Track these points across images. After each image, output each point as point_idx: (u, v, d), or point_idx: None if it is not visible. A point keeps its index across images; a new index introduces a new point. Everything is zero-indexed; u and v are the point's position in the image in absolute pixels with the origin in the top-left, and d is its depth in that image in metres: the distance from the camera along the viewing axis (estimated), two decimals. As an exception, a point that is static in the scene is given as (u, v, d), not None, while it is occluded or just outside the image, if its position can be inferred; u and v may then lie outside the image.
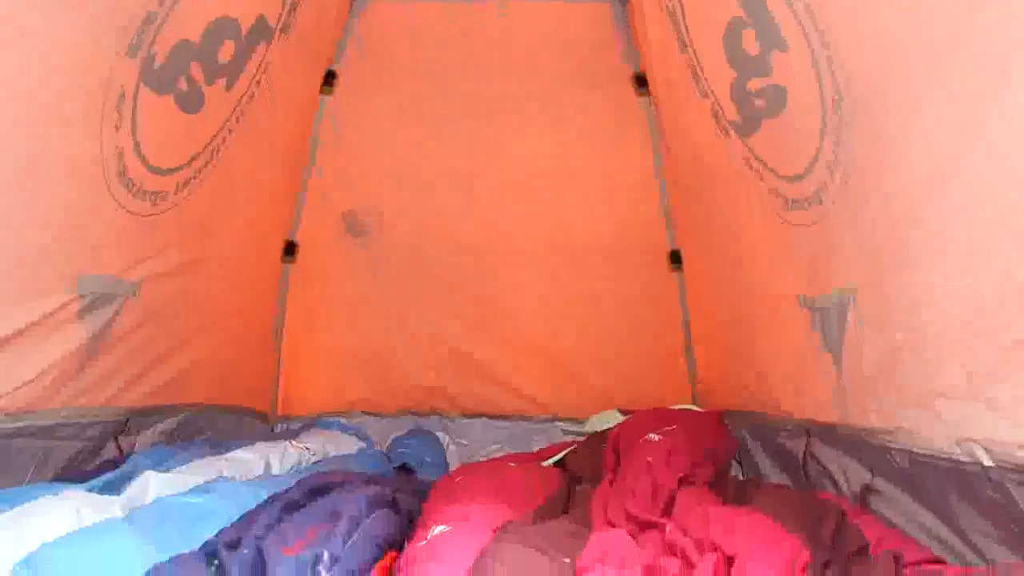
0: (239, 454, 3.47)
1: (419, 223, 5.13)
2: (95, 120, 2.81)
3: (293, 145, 4.77)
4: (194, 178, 3.52)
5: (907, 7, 2.20)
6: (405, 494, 3.09)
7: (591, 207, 5.10)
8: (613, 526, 2.83)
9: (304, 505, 2.74)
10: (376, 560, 2.43)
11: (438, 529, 2.47)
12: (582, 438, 4.50)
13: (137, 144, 3.05)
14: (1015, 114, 1.90)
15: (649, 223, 5.05)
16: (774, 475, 3.75)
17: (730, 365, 4.26)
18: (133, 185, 3.12)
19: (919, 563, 2.26)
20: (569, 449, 4.29)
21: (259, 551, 2.24)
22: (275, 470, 3.53)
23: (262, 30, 3.63)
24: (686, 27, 3.65)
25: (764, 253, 3.51)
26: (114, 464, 3.20)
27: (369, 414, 5.21)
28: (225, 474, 3.17)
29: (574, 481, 3.73)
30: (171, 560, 2.18)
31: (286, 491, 2.87)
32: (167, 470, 2.99)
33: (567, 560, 2.31)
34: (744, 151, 3.40)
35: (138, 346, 3.47)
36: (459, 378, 5.21)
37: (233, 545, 2.30)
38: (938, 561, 2.32)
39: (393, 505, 2.85)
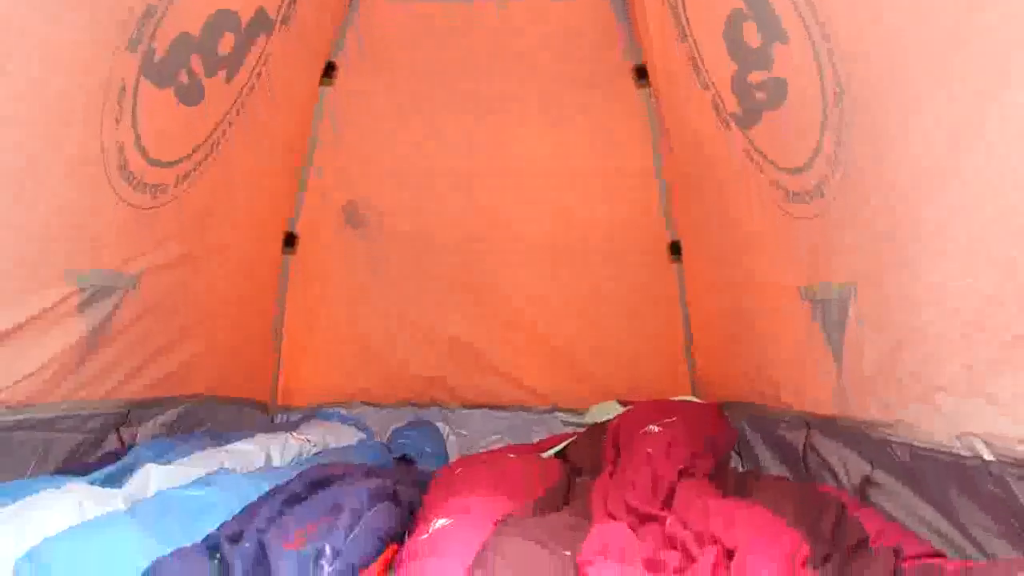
0: (240, 446, 3.48)
1: (419, 215, 5.12)
2: (96, 114, 2.81)
3: (293, 137, 4.77)
4: (194, 170, 3.52)
5: (908, 1, 2.20)
6: (405, 486, 3.10)
7: (590, 198, 5.08)
8: (613, 518, 2.84)
9: (305, 498, 2.75)
10: (378, 553, 2.45)
11: (439, 522, 2.48)
12: (582, 429, 4.51)
13: (138, 137, 3.04)
14: (1015, 111, 1.90)
15: (649, 214, 5.04)
16: (774, 467, 3.75)
17: (730, 356, 4.26)
18: (133, 178, 3.11)
19: (919, 557, 2.26)
20: (569, 440, 4.30)
21: (261, 544, 2.24)
22: (276, 462, 3.54)
23: (262, 22, 3.62)
24: (687, 19, 3.64)
25: (765, 245, 3.51)
26: (115, 456, 3.20)
27: (369, 405, 5.22)
28: (226, 466, 3.18)
29: (574, 472, 3.74)
30: (173, 553, 2.19)
31: (287, 483, 2.88)
32: (168, 462, 3.00)
33: (567, 553, 2.32)
34: (744, 143, 3.39)
35: (138, 338, 3.48)
36: (459, 369, 5.21)
37: (235, 538, 2.31)
38: (937, 555, 2.32)
39: (394, 497, 2.86)
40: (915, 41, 2.21)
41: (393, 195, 5.12)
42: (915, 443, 2.50)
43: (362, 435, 4.63)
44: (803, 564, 2.23)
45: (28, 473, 2.97)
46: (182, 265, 3.68)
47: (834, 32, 2.55)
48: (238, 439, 3.59)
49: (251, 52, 3.65)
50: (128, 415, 3.53)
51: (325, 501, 2.66)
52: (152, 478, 2.76)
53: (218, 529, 2.42)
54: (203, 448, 3.32)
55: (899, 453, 2.62)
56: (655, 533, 2.66)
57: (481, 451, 4.65)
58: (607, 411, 4.59)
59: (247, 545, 2.25)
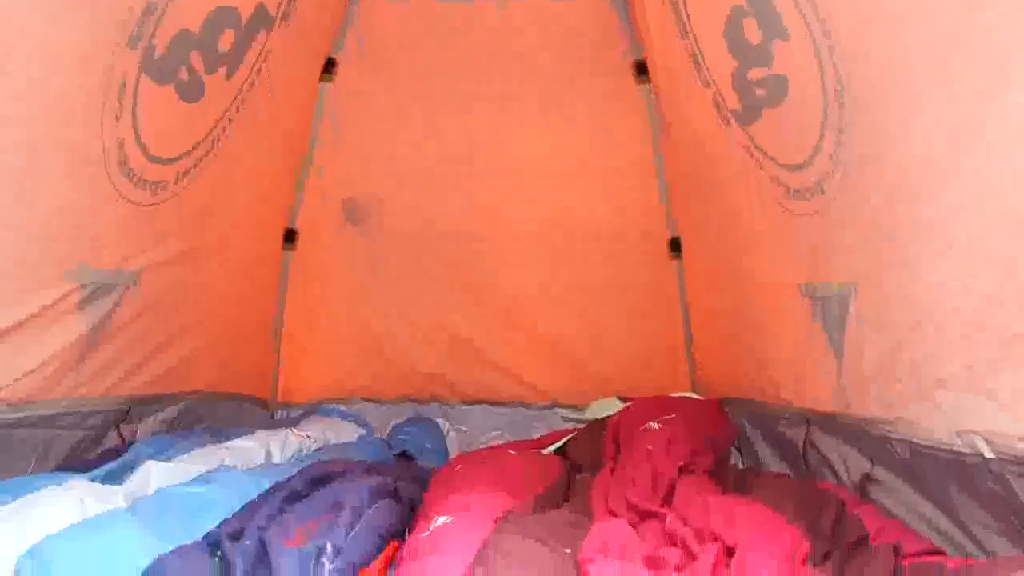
0: (240, 442, 3.48)
1: (419, 210, 5.12)
2: (96, 111, 2.81)
3: (293, 133, 4.77)
4: (194, 167, 3.52)
5: (908, -1, 2.21)
6: (406, 482, 3.10)
7: (591, 195, 5.09)
8: (614, 515, 2.84)
9: (306, 495, 2.75)
10: (379, 550, 2.45)
11: (440, 520, 2.48)
12: (582, 425, 4.51)
13: (138, 134, 3.04)
14: (1016, 111, 1.91)
15: (649, 211, 5.04)
16: (774, 463, 3.76)
17: (730, 353, 4.27)
18: (134, 175, 3.11)
19: (918, 554, 2.26)
20: (569, 437, 4.30)
21: (262, 542, 2.24)
22: (276, 458, 3.55)
23: (262, 18, 3.62)
24: (687, 16, 3.64)
25: (765, 241, 3.51)
26: (116, 453, 3.21)
27: (369, 401, 5.22)
28: (226, 463, 3.18)
29: (574, 469, 3.74)
30: (174, 551, 2.18)
31: (288, 480, 2.88)
32: (169, 459, 3.00)
33: (568, 551, 2.32)
34: (745, 140, 3.39)
35: (139, 335, 3.48)
36: (459, 365, 5.21)
37: (236, 536, 2.31)
38: (937, 552, 2.32)
39: (395, 495, 2.87)
40: (916, 40, 2.21)
41: (393, 192, 5.11)
42: (915, 440, 2.51)
43: (362, 431, 4.63)
44: (803, 562, 2.23)
45: (29, 470, 2.97)
46: (182, 262, 3.68)
47: (835, 29, 2.55)
48: (238, 436, 3.59)
49: (251, 49, 3.65)
50: (129, 412, 3.52)
51: (326, 498, 2.66)
52: (153, 475, 2.76)
53: (219, 527, 2.42)
54: (203, 445, 3.32)
55: (899, 450, 2.62)
56: (655, 530, 2.66)
57: (481, 447, 4.65)
58: (607, 407, 4.59)
59: (248, 543, 2.25)
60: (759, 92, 3.17)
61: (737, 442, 4.10)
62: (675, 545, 2.47)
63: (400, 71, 4.99)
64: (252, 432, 3.69)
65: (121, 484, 2.71)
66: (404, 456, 4.33)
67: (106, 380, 3.32)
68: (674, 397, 4.45)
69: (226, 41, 3.41)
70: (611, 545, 2.36)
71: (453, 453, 4.74)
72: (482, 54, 4.96)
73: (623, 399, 4.65)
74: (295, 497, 2.72)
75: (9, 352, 2.78)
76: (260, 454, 3.47)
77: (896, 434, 2.62)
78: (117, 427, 3.47)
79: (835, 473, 3.13)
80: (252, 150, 4.09)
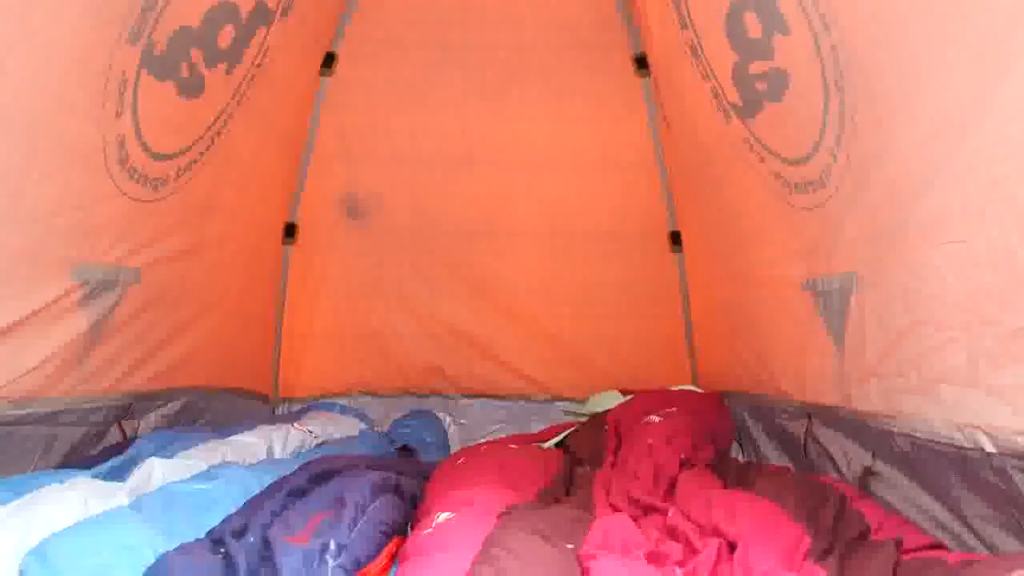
0: (242, 438, 3.48)
1: (419, 204, 5.13)
2: (96, 108, 2.81)
3: (293, 128, 4.76)
4: (195, 163, 3.52)
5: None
6: (408, 477, 3.10)
7: (591, 188, 5.09)
8: (616, 509, 2.85)
9: (309, 491, 2.75)
10: (381, 546, 2.46)
11: (442, 516, 2.48)
12: (583, 419, 4.52)
13: (139, 130, 3.04)
14: (1017, 104, 1.91)
15: (649, 204, 5.05)
16: (775, 456, 3.76)
17: (730, 346, 4.27)
18: (135, 171, 3.11)
19: (919, 548, 2.27)
20: (570, 430, 4.31)
21: (265, 539, 2.26)
22: (278, 454, 3.55)
23: (262, 14, 3.61)
24: (688, 8, 3.64)
25: (766, 235, 3.51)
26: (118, 449, 3.21)
27: (369, 395, 5.23)
28: (229, 458, 3.18)
29: (575, 463, 3.74)
30: (178, 548, 2.19)
31: (290, 476, 2.88)
32: (171, 456, 3.00)
33: (570, 546, 2.32)
34: (745, 133, 3.39)
35: (140, 332, 3.48)
36: (459, 358, 5.22)
37: (239, 533, 2.32)
38: (938, 547, 2.33)
39: (397, 490, 2.87)
40: (916, 34, 2.21)
41: (393, 186, 5.12)
42: (916, 434, 2.51)
43: (363, 426, 4.63)
44: (804, 557, 2.24)
45: (32, 467, 2.97)
46: (183, 257, 3.68)
47: (835, 24, 2.55)
48: (240, 431, 3.58)
49: (251, 44, 3.64)
50: (131, 408, 3.53)
51: (328, 495, 2.66)
52: (155, 472, 2.76)
53: (222, 523, 2.43)
54: (205, 441, 3.31)
55: (900, 444, 2.63)
56: (657, 524, 2.67)
57: (482, 441, 4.65)
58: (608, 400, 4.60)
59: (251, 539, 2.26)
60: (760, 86, 3.17)
61: (738, 435, 4.11)
62: (677, 540, 2.47)
63: (400, 65, 4.99)
64: (254, 427, 3.68)
65: (124, 481, 2.71)
66: (405, 450, 4.33)
67: (108, 376, 3.32)
68: (675, 390, 4.47)
69: (226, 37, 3.40)
70: (613, 540, 2.37)
71: (454, 446, 4.73)
72: (482, 44, 4.97)
73: (624, 392, 4.66)
74: (298, 493, 2.72)
75: (11, 350, 2.78)
76: (262, 449, 3.47)
77: (897, 428, 2.62)
78: (119, 423, 3.47)
79: (836, 466, 3.14)
80: (252, 145, 4.09)
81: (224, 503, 2.59)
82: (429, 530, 2.40)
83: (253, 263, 4.63)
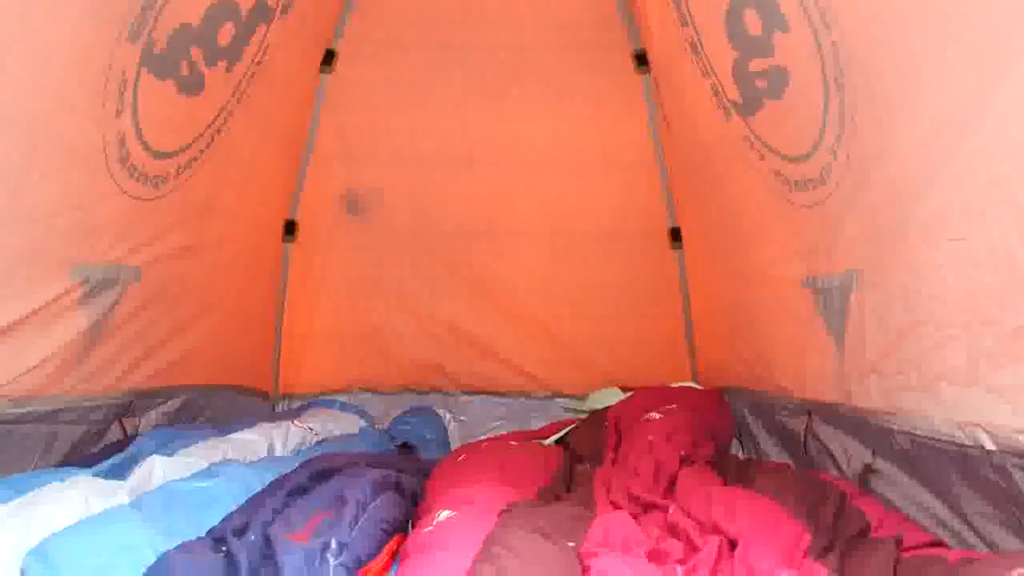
0: (243, 435, 3.48)
1: (419, 204, 5.13)
2: (97, 106, 2.81)
3: (293, 125, 4.77)
4: (195, 161, 3.52)
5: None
6: (408, 474, 3.11)
7: (591, 187, 5.10)
8: (616, 507, 2.85)
9: (309, 489, 2.75)
10: (382, 544, 2.46)
11: (443, 514, 2.49)
12: (583, 415, 4.52)
13: (139, 129, 3.04)
14: (1016, 104, 1.91)
15: (649, 203, 5.06)
16: (775, 453, 3.77)
17: (730, 343, 4.27)
18: (135, 170, 3.11)
19: (919, 546, 2.27)
20: (570, 427, 4.31)
21: (266, 538, 2.26)
22: (278, 451, 3.55)
23: (262, 11, 3.61)
24: (688, 5, 3.64)
25: (766, 232, 3.52)
26: (118, 447, 3.21)
27: (369, 392, 5.23)
28: (229, 456, 3.18)
29: (575, 460, 3.75)
30: (179, 547, 2.19)
31: (291, 474, 2.89)
32: (172, 453, 3.00)
33: (571, 544, 2.33)
34: (745, 131, 3.40)
35: (141, 330, 3.48)
36: (459, 355, 5.22)
37: (240, 531, 2.32)
38: (939, 544, 2.33)
39: (397, 488, 2.88)
40: (916, 32, 2.21)
41: (393, 179, 5.12)
42: (916, 431, 2.52)
43: (363, 423, 4.63)
44: (805, 554, 2.24)
45: (32, 466, 2.98)
46: (183, 255, 3.68)
47: (835, 21, 2.55)
48: (240, 428, 3.58)
49: (251, 42, 3.64)
50: (131, 405, 3.53)
51: (329, 492, 2.67)
52: (156, 470, 2.76)
53: (223, 521, 2.43)
54: (206, 438, 3.31)
55: (900, 441, 2.63)
56: (658, 521, 2.68)
57: (482, 437, 4.66)
58: (608, 397, 4.61)
59: (252, 538, 2.27)
60: (760, 83, 3.17)
61: (738, 431, 4.11)
62: (677, 537, 2.48)
63: (400, 65, 4.99)
64: (254, 425, 3.68)
65: (124, 479, 2.71)
66: (405, 447, 4.33)
67: (108, 375, 3.33)
68: (675, 387, 4.47)
69: (226, 34, 3.40)
70: (614, 538, 2.37)
71: (454, 443, 4.74)
72: (482, 48, 4.97)
73: (624, 389, 4.66)
74: (299, 491, 2.72)
75: (11, 349, 2.78)
76: (263, 447, 3.47)
77: (897, 425, 2.63)
78: (120, 420, 3.48)
79: (836, 463, 3.14)
80: (252, 143, 4.09)
81: (225, 501, 2.60)
82: (430, 528, 2.41)
83: (253, 261, 4.64)
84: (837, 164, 2.75)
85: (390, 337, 5.21)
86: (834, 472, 3.13)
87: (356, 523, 2.40)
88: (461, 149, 5.06)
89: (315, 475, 2.87)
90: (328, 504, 2.56)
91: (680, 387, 4.49)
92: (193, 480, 2.73)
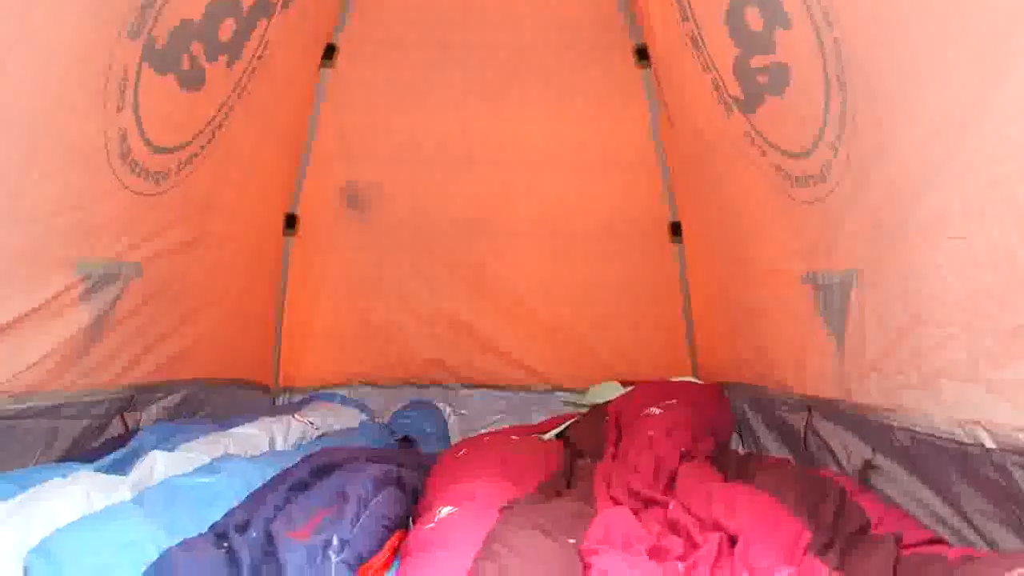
0: (244, 430, 3.49)
1: (420, 196, 5.12)
2: (98, 103, 2.80)
3: (293, 120, 4.76)
4: (196, 155, 3.52)
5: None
6: (409, 469, 3.12)
7: (592, 178, 5.09)
8: (617, 502, 2.86)
9: (310, 485, 2.76)
10: (384, 541, 2.47)
11: (444, 511, 2.49)
12: (583, 409, 4.53)
13: (140, 124, 3.04)
14: (1016, 104, 1.91)
15: (650, 195, 5.05)
16: (774, 448, 3.77)
17: (730, 338, 4.28)
18: (137, 165, 3.12)
19: (919, 544, 2.28)
20: (570, 422, 4.32)
21: (268, 534, 2.27)
22: (279, 445, 3.55)
23: (263, 6, 3.60)
24: (689, 2, 3.63)
25: (767, 229, 3.51)
26: (120, 441, 3.22)
27: (370, 385, 5.23)
28: (230, 451, 3.18)
29: (576, 455, 3.75)
30: (181, 544, 2.20)
31: (292, 469, 2.89)
32: (173, 448, 3.00)
33: (572, 541, 2.34)
34: (746, 127, 3.39)
35: (142, 325, 3.49)
36: (459, 349, 5.23)
37: (242, 527, 2.33)
38: (938, 542, 2.34)
39: (398, 483, 2.89)
40: (917, 30, 2.21)
41: (394, 177, 5.11)
42: (916, 429, 2.52)
43: (364, 417, 4.64)
44: (805, 551, 2.25)
45: (34, 460, 2.98)
46: (184, 250, 3.68)
47: (837, 19, 2.55)
48: (241, 422, 3.59)
49: (252, 37, 3.63)
50: (133, 399, 3.53)
51: (330, 488, 2.67)
52: (157, 465, 2.77)
53: (225, 517, 2.44)
54: (207, 433, 3.32)
55: (900, 438, 2.64)
56: (658, 518, 2.69)
57: (482, 431, 4.67)
58: (607, 391, 4.62)
59: (254, 535, 2.27)
60: (761, 79, 3.16)
61: (738, 426, 4.12)
62: (678, 534, 2.49)
63: (400, 58, 4.99)
64: (255, 419, 3.69)
65: (126, 474, 2.72)
66: (406, 441, 4.34)
67: (109, 370, 3.33)
68: (675, 382, 4.48)
69: (227, 30, 3.40)
70: (614, 535, 2.38)
71: (454, 437, 4.75)
72: (482, 48, 4.97)
73: (624, 383, 4.67)
74: (300, 487, 2.73)
75: (13, 345, 2.79)
76: (264, 441, 3.47)
77: (897, 422, 2.63)
78: (121, 415, 3.48)
79: (836, 459, 3.15)
80: (253, 137, 4.09)
81: (226, 496, 2.60)
82: (431, 525, 2.41)
83: (254, 255, 4.64)
84: (838, 161, 2.75)
85: (390, 330, 5.21)
86: (834, 468, 3.14)
87: (358, 520, 2.40)
88: (461, 149, 5.05)
89: (316, 470, 2.88)
90: (330, 500, 2.56)
91: (680, 382, 4.49)
92: (195, 475, 2.73)
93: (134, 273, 3.33)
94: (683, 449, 3.32)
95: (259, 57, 3.78)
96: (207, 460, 2.95)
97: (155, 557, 2.11)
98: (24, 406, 2.91)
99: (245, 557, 2.15)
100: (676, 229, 5.01)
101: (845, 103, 2.62)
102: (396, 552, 2.49)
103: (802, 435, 3.43)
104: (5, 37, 2.35)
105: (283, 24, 3.89)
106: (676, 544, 2.39)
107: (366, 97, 5.03)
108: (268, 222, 4.84)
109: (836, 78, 2.64)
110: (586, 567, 2.17)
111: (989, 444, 2.17)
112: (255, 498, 2.62)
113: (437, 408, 5.04)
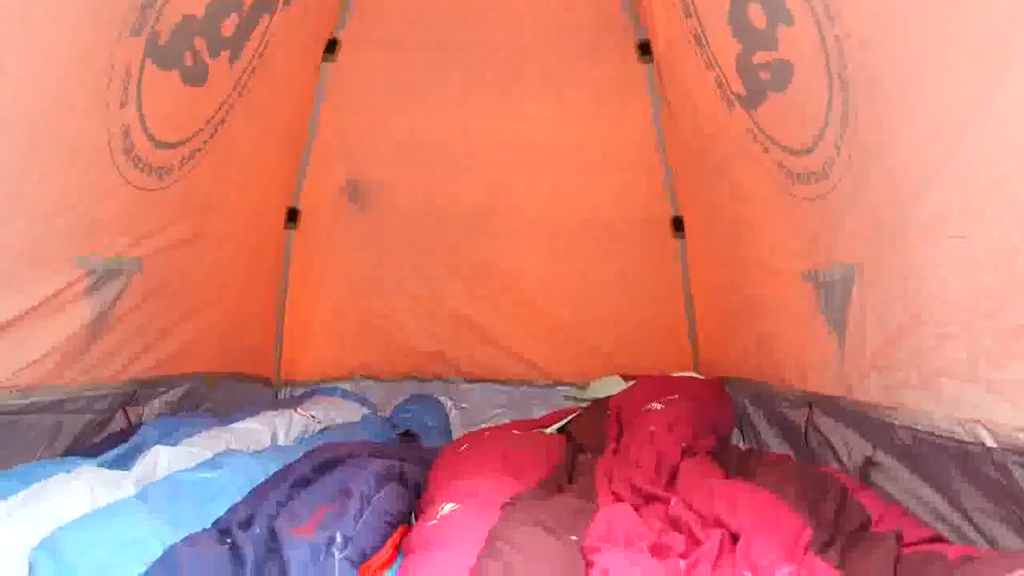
0: (246, 424, 3.50)
1: (421, 190, 5.12)
2: (99, 102, 2.81)
3: (295, 115, 4.76)
4: (199, 151, 3.53)
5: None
6: (411, 464, 3.12)
7: (593, 173, 5.08)
8: (618, 498, 2.87)
9: (313, 481, 2.77)
10: (386, 537, 2.48)
11: (447, 507, 2.50)
12: (584, 404, 4.53)
13: (143, 120, 3.05)
14: (1016, 104, 1.91)
15: (652, 190, 5.04)
16: (775, 444, 3.78)
17: (732, 334, 4.28)
18: (140, 161, 3.12)
19: (920, 542, 2.29)
20: (572, 416, 4.32)
21: (271, 530, 2.27)
22: (281, 440, 3.56)
23: (265, 2, 3.61)
24: (692, 0, 3.63)
25: (768, 224, 3.52)
26: (123, 436, 3.23)
27: (371, 379, 5.25)
28: (233, 446, 3.19)
29: (577, 449, 3.76)
30: (185, 540, 2.20)
31: (295, 464, 2.90)
32: (176, 443, 3.01)
33: (574, 538, 2.34)
34: (749, 123, 3.39)
35: (144, 320, 3.50)
36: (460, 343, 5.24)
37: (245, 523, 2.33)
38: (939, 540, 2.35)
39: (401, 479, 2.89)
40: (919, 28, 2.21)
41: (395, 171, 5.11)
42: (917, 427, 2.53)
43: (365, 410, 4.65)
44: (806, 549, 2.26)
45: (37, 456, 3.00)
46: (187, 245, 3.69)
47: (839, 16, 2.55)
48: (243, 417, 3.60)
49: (254, 33, 3.63)
50: (135, 394, 3.55)
51: (333, 484, 2.68)
52: (161, 460, 2.77)
53: (228, 513, 2.44)
54: (209, 427, 3.33)
55: (901, 436, 2.64)
56: (659, 514, 2.69)
57: (483, 425, 4.68)
58: (609, 386, 4.63)
59: (258, 531, 2.28)
60: (763, 76, 3.16)
61: (739, 422, 4.12)
62: (679, 531, 2.49)
63: (402, 52, 4.98)
64: (257, 413, 3.70)
65: (129, 469, 2.73)
66: (407, 435, 4.35)
67: (112, 365, 3.34)
68: (676, 377, 4.49)
69: (229, 25, 3.40)
70: (616, 532, 2.38)
71: (455, 431, 4.77)
72: (482, 48, 4.97)
73: (625, 377, 4.67)
74: (302, 483, 2.74)
75: (16, 341, 2.80)
76: (266, 436, 3.48)
77: (898, 420, 2.64)
78: (123, 410, 3.50)
79: (837, 456, 3.15)
80: (255, 133, 4.09)
81: (229, 492, 2.60)
82: (434, 521, 2.42)
83: (255, 252, 4.64)
84: (839, 160, 2.75)
85: (392, 324, 5.22)
86: (835, 464, 3.14)
87: (360, 516, 2.41)
88: (461, 149, 5.05)
89: (319, 466, 2.88)
90: (332, 496, 2.57)
91: (681, 377, 4.50)
92: (198, 471, 2.74)
93: (136, 269, 3.34)
94: (684, 445, 3.33)
95: (260, 55, 3.77)
96: (210, 455, 2.96)
97: (159, 554, 2.10)
98: (27, 401, 2.92)
99: (249, 553, 2.15)
100: (678, 224, 5.00)
101: (847, 101, 2.62)
102: (398, 548, 2.50)
103: (803, 431, 3.43)
104: (5, 37, 2.35)
105: (284, 21, 3.88)
106: (678, 541, 2.39)
107: (366, 96, 5.03)
108: (270, 215, 4.84)
109: (838, 76, 2.64)
110: (588, 564, 2.18)
111: (990, 443, 2.18)
112: (257, 493, 2.62)
113: (438, 402, 5.06)
